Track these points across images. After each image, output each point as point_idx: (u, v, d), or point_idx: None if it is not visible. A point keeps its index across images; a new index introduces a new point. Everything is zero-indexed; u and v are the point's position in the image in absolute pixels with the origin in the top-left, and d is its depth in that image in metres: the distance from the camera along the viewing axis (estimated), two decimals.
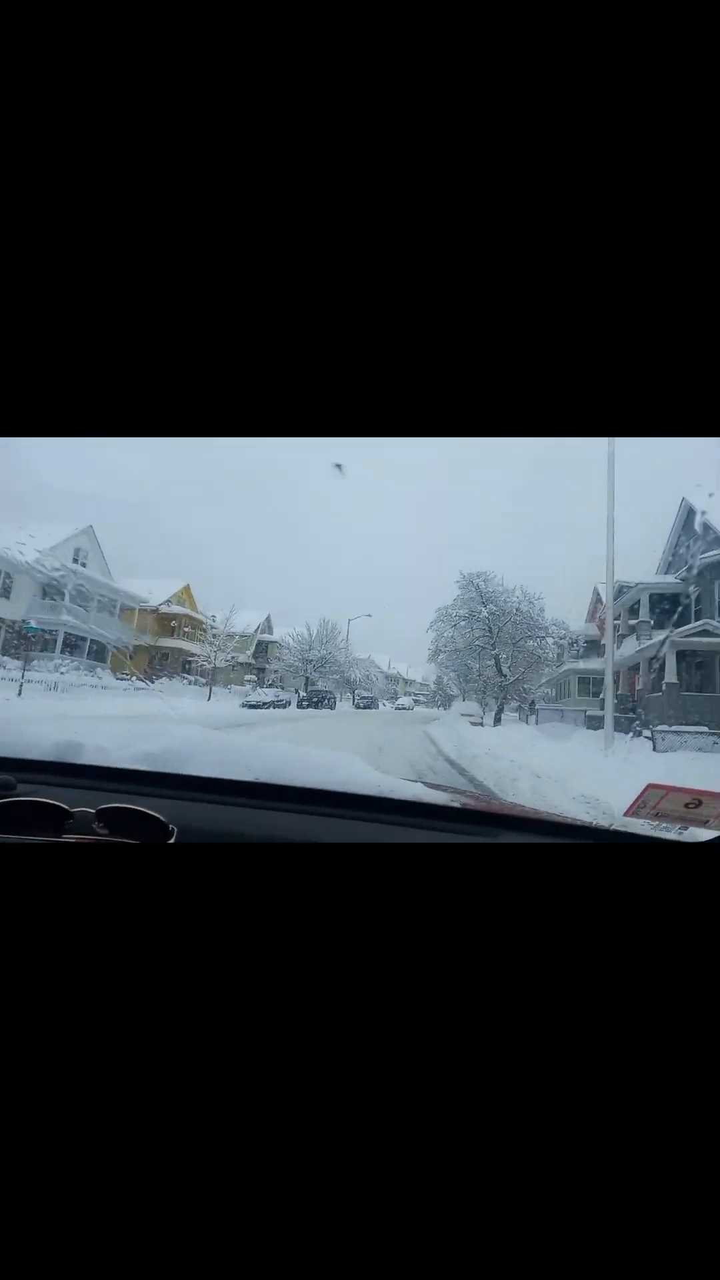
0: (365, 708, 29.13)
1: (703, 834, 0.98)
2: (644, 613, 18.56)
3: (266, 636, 34.60)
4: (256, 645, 33.42)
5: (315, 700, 26.31)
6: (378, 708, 30.73)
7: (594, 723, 14.33)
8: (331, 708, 25.87)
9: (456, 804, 1.16)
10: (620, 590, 17.18)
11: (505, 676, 21.81)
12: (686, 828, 1.00)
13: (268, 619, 35.24)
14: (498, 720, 20.20)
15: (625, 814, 1.02)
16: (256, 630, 33.71)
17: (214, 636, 26.06)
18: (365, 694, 33.79)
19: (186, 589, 30.85)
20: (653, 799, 0.97)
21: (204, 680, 25.66)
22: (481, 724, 17.00)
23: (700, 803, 0.96)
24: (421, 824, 1.03)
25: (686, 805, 0.97)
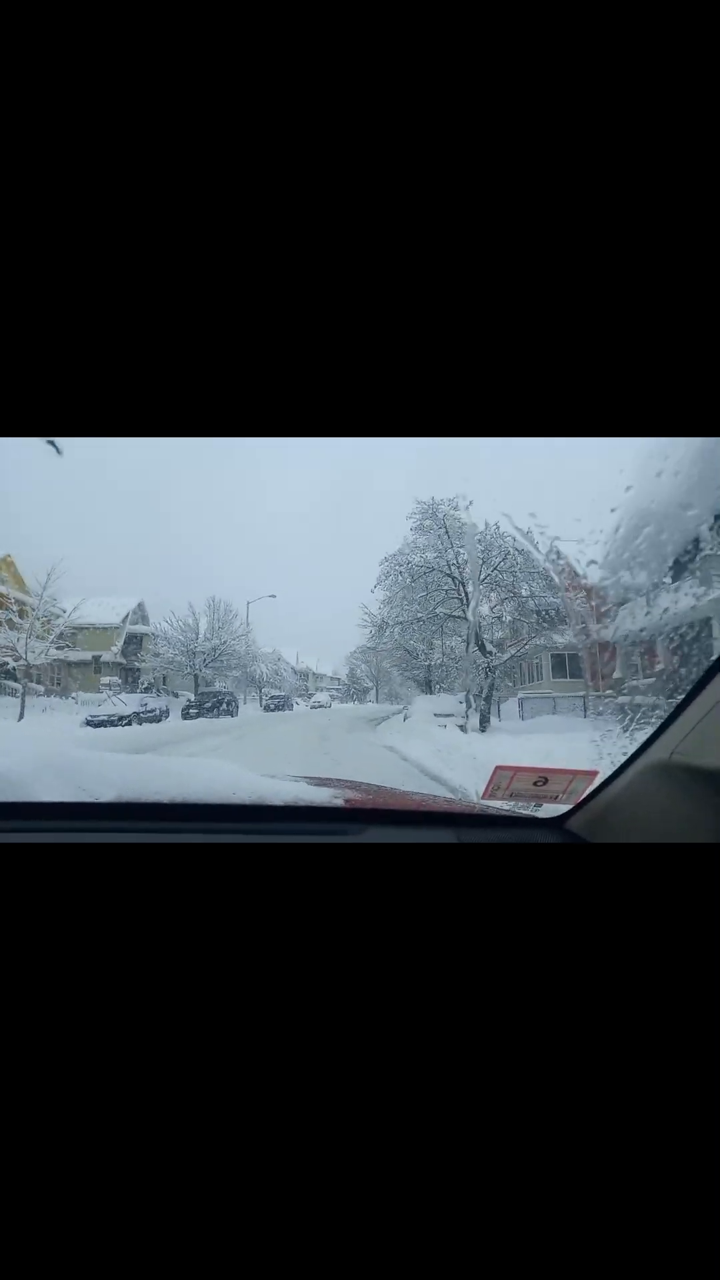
0: (277, 709, 23.12)
1: (555, 809, 1.02)
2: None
3: (139, 628, 26.44)
4: (127, 639, 25.74)
5: (210, 705, 18.89)
6: (292, 708, 25.21)
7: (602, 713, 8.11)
8: (233, 714, 19.25)
9: (339, 800, 1.15)
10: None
11: (492, 654, 12.62)
12: (540, 804, 1.04)
13: (140, 606, 26.93)
14: (485, 722, 12.06)
15: (483, 796, 1.05)
16: (125, 620, 25.78)
17: (34, 621, 16.61)
18: (275, 693, 27.19)
19: (7, 560, 20.58)
20: (504, 780, 1.00)
21: (41, 687, 17.61)
22: (464, 727, 11.00)
23: (546, 780, 0.99)
24: (288, 829, 1.01)
25: (535, 783, 1.00)
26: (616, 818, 0.87)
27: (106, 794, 1.00)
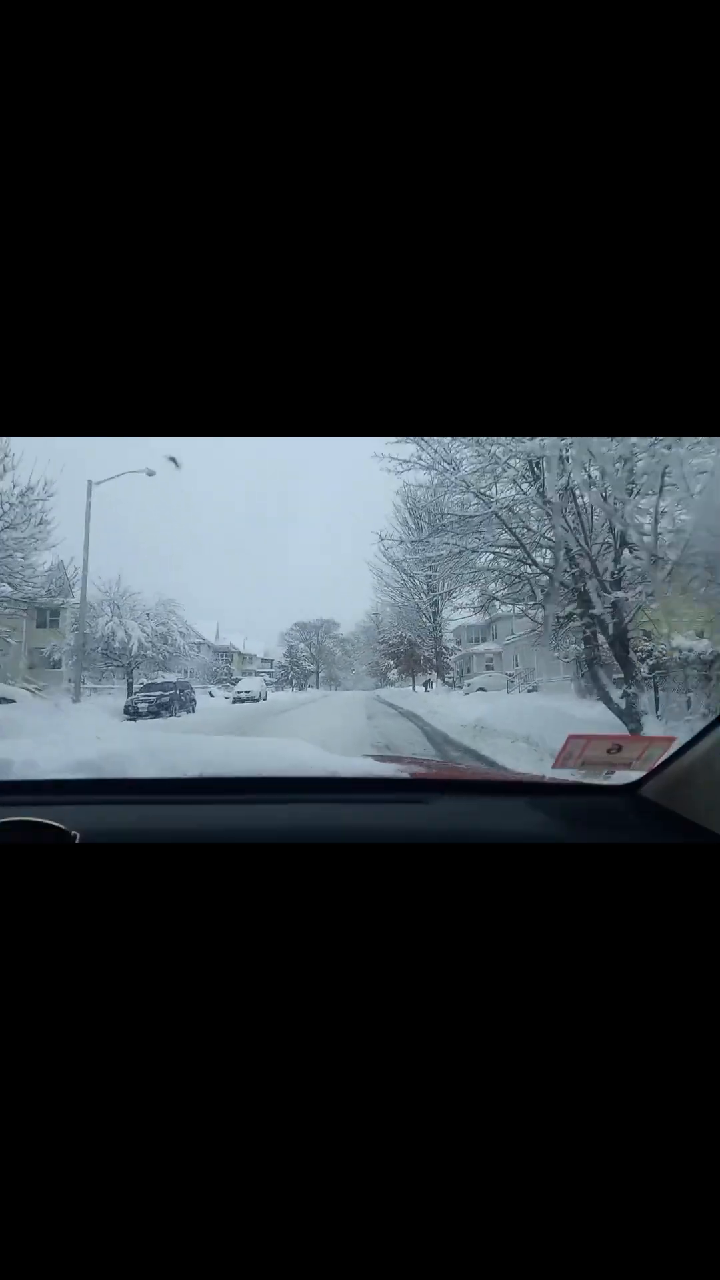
0: (150, 713, 12.19)
1: (629, 775, 1.03)
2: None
3: None
4: None
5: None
6: (189, 709, 13.79)
7: None
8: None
9: (405, 774, 1.19)
10: None
11: (609, 622, 5.54)
12: (613, 772, 1.05)
13: None
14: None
15: (554, 765, 1.06)
16: None
17: None
18: (157, 684, 14.43)
19: None
20: (576, 749, 1.01)
21: None
22: None
23: (620, 747, 1.00)
24: (363, 799, 1.06)
25: (609, 750, 1.01)
26: (694, 783, 0.88)
27: (192, 770, 1.07)
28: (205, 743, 1.29)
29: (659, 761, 0.97)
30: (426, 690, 19.67)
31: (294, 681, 32.88)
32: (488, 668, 20.12)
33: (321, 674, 36.39)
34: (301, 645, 35.48)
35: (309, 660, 34.75)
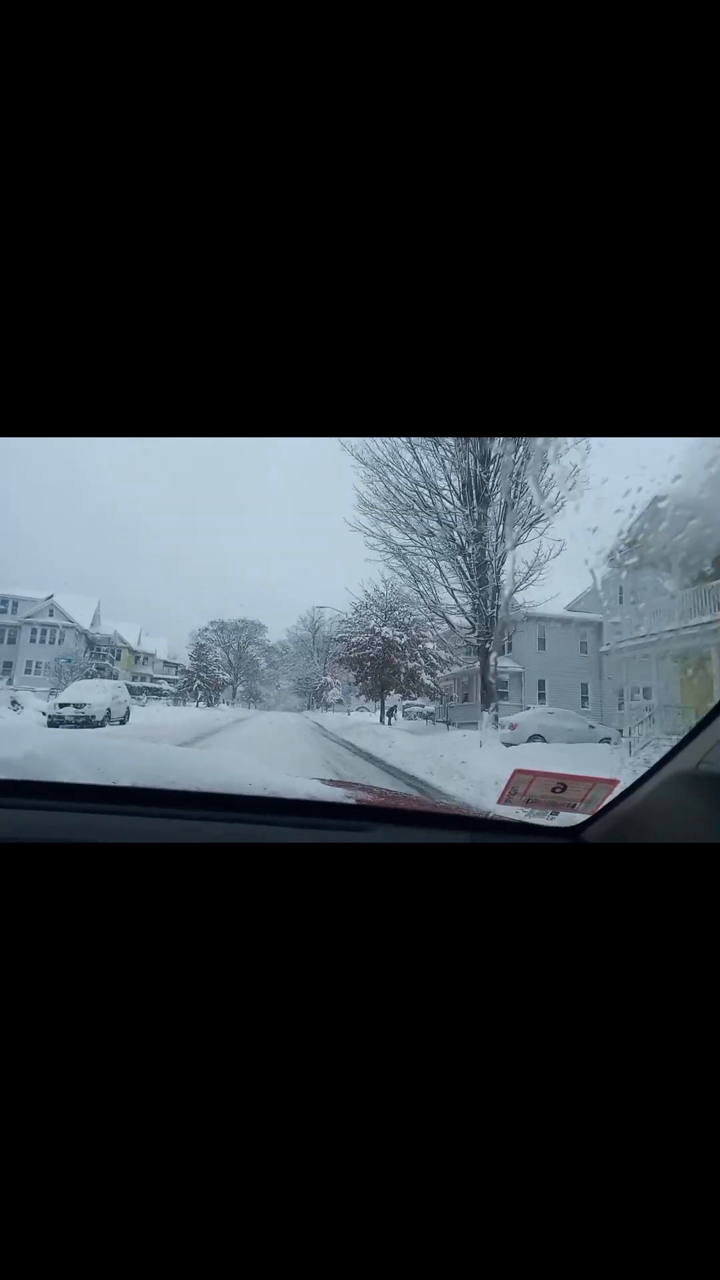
0: (77, 722, 10.93)
1: (574, 817, 1.02)
2: None
3: None
4: None
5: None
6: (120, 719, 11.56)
7: None
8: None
9: (350, 800, 1.15)
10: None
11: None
12: (556, 813, 1.04)
13: None
14: None
15: (499, 801, 1.05)
16: None
17: None
18: (64, 701, 12.20)
19: None
20: (521, 785, 1.00)
21: None
22: None
23: (565, 786, 0.99)
24: (303, 822, 1.01)
25: (553, 789, 1.00)
26: (636, 828, 0.87)
27: (125, 779, 1.01)
28: (140, 749, 1.22)
29: (602, 804, 0.96)
30: (389, 722, 13.51)
31: (202, 694, 24.17)
32: (501, 694, 13.17)
33: (240, 687, 29.22)
34: (218, 649, 27.66)
35: (224, 668, 26.97)
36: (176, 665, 25.89)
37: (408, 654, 13.69)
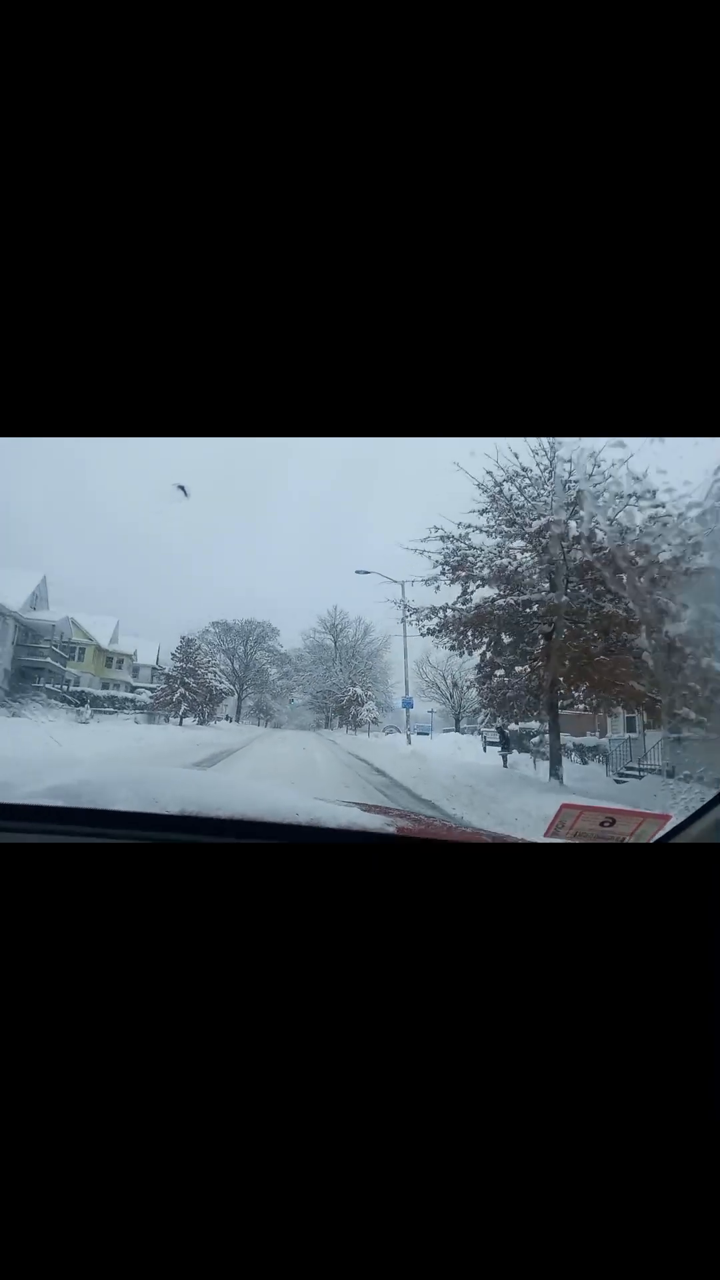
0: None
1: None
2: None
3: None
4: None
5: None
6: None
7: None
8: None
9: (392, 828, 1.15)
10: None
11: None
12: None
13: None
14: None
15: (545, 834, 1.04)
16: None
17: None
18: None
19: None
20: (568, 819, 1.00)
21: None
22: None
23: (614, 821, 0.99)
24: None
25: (601, 824, 1.00)
26: None
27: (173, 806, 1.03)
28: (182, 777, 1.24)
29: (651, 839, 0.95)
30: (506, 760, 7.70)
31: (190, 706, 17.77)
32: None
33: (248, 701, 22.96)
34: (220, 654, 22.20)
35: (225, 676, 20.81)
36: (161, 672, 20.22)
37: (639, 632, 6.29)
